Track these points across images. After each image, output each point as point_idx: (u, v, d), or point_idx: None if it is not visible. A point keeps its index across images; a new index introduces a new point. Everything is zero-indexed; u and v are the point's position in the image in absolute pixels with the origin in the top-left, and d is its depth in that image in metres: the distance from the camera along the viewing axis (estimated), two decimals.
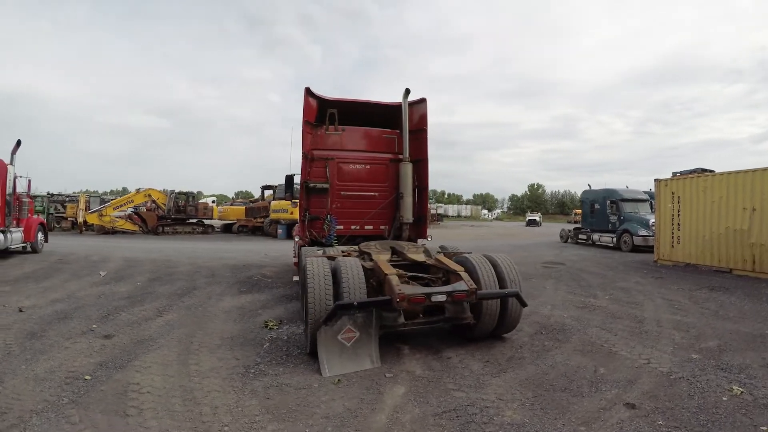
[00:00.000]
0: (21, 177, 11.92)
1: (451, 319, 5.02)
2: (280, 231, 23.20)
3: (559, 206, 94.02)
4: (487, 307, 4.98)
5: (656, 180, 13.69)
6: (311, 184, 8.24)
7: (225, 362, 4.40)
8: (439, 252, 6.37)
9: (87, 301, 7.19)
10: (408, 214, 8.30)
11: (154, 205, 26.74)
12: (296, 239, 8.88)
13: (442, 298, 4.54)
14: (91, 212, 25.56)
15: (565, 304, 7.39)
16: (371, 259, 5.58)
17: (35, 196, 27.73)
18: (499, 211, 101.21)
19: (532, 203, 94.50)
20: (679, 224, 12.79)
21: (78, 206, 26.37)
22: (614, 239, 17.95)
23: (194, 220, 27.44)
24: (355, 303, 4.19)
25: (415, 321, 4.86)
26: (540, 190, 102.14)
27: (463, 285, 4.66)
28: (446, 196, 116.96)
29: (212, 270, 10.95)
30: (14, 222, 11.58)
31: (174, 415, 3.23)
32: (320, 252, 6.28)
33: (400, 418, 3.29)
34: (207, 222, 28.19)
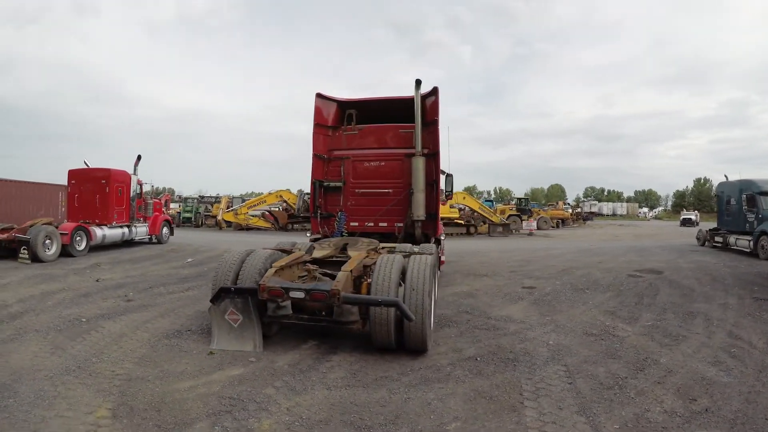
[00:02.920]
0: (146, 183, 16.81)
1: (338, 322, 5.36)
2: None
3: None
4: (374, 314, 5.12)
5: None
6: (325, 183, 9.73)
7: (171, 325, 6.52)
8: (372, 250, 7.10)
9: (150, 278, 10.37)
10: (419, 211, 8.90)
11: (286, 204, 31.92)
12: (307, 234, 10.58)
13: (300, 295, 5.01)
14: (227, 211, 32.05)
15: (575, 327, 6.80)
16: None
17: (186, 199, 36.23)
18: (660, 209, 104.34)
19: (697, 200, 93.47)
20: None
21: (220, 206, 33.26)
22: (751, 243, 15.16)
23: None
24: (232, 288, 5.45)
25: (300, 316, 5.56)
26: (707, 185, 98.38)
27: (327, 285, 5.02)
28: (606, 193, 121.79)
29: None
30: (141, 219, 16.23)
31: (94, 345, 5.51)
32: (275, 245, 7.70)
33: (196, 388, 4.33)
34: None
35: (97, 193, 14.60)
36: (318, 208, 9.81)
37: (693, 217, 50.84)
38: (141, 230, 16.60)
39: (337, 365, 5.05)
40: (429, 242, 9.14)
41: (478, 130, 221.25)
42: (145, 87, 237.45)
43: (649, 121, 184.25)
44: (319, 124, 9.66)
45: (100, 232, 14.18)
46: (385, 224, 9.53)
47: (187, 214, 32.10)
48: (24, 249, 11.54)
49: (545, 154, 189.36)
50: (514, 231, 31.04)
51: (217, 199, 38.93)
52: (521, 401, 4.23)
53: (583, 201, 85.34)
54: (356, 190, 9.62)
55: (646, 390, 4.49)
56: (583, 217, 50.78)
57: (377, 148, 9.69)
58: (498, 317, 7.30)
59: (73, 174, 14.93)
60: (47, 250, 12.05)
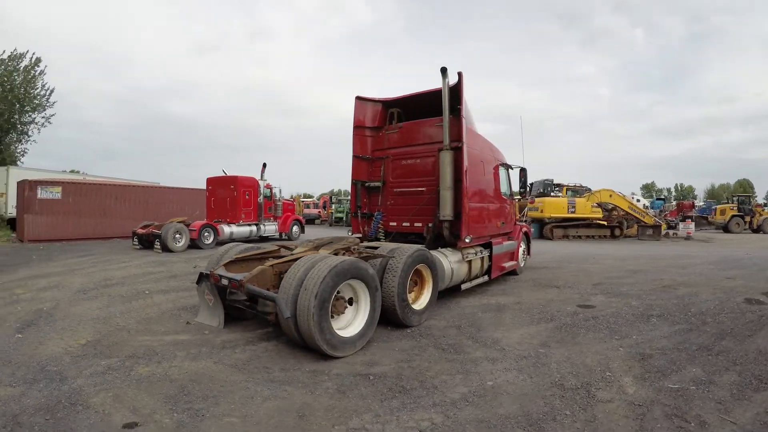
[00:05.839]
0: (275, 188, 21.08)
1: (259, 311, 6.62)
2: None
3: None
4: (278, 308, 5.89)
5: None
6: (366, 184, 11.06)
7: (195, 302, 9.26)
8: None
9: None
10: (446, 210, 9.20)
11: None
12: (349, 233, 12.17)
13: (226, 282, 6.43)
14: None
15: (558, 371, 5.53)
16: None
17: (340, 200, 41.62)
18: None
19: None
20: None
21: None
22: None
23: None
24: (203, 273, 7.53)
25: (245, 302, 7.14)
26: None
27: (241, 276, 6.19)
28: None
29: None
30: (271, 218, 20.60)
31: (130, 307, 8.74)
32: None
33: (145, 341, 6.44)
34: None
35: (227, 196, 19.57)
36: (359, 208, 11.14)
37: None
38: (270, 228, 21.17)
39: (252, 350, 6.12)
40: (456, 244, 9.44)
41: (658, 120, 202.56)
42: (321, 97, 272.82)
43: None
44: (359, 126, 10.85)
45: (227, 230, 18.95)
46: (420, 224, 10.08)
47: (339, 215, 37.01)
48: (157, 241, 16.63)
49: (733, 145, 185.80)
50: (671, 234, 28.71)
51: None
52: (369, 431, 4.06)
53: None
54: (394, 190, 10.46)
55: None
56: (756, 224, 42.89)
57: (413, 145, 10.27)
58: (484, 339, 6.75)
59: (209, 181, 20.33)
60: (177, 243, 17.10)
